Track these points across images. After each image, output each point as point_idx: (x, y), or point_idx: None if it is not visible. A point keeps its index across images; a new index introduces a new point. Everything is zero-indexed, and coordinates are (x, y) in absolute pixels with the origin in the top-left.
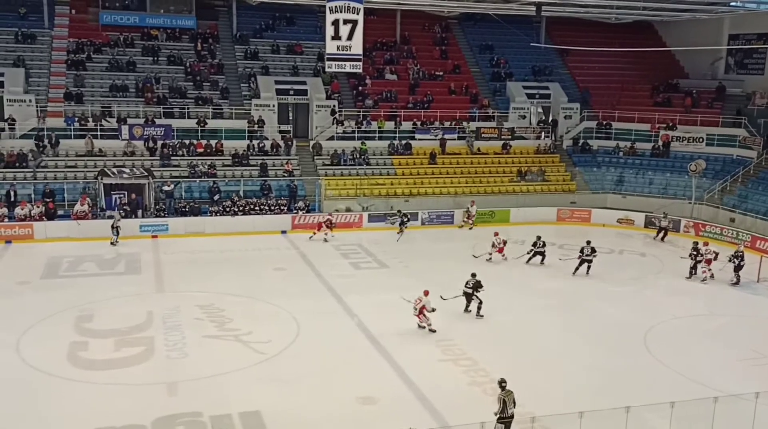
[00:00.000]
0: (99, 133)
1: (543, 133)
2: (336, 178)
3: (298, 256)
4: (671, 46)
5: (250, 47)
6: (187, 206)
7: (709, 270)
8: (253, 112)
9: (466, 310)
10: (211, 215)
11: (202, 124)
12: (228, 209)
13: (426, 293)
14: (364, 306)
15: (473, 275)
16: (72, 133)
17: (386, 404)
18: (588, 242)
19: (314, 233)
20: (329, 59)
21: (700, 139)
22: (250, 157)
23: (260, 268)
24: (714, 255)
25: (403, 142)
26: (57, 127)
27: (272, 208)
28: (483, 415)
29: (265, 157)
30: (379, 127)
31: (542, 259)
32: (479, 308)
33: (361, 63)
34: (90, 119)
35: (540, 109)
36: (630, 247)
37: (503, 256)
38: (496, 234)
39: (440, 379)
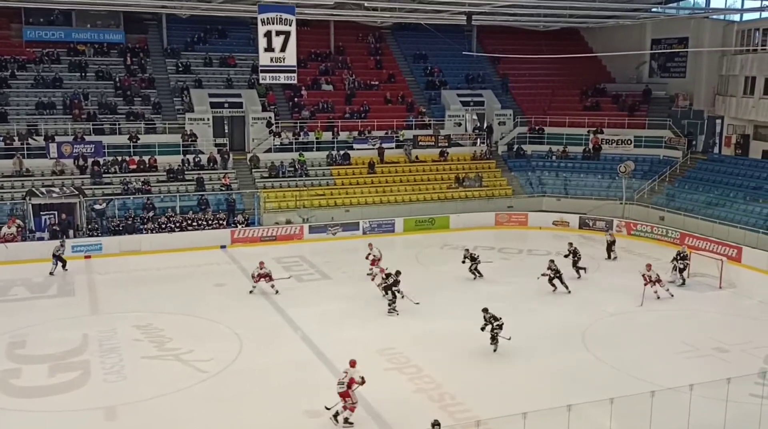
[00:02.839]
0: (26, 152)
1: (478, 139)
2: (275, 190)
3: (239, 270)
4: (597, 52)
5: (182, 60)
6: (122, 224)
7: (656, 291)
8: (187, 126)
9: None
10: (147, 233)
11: (134, 140)
12: (164, 226)
13: (353, 364)
14: (308, 318)
15: (485, 310)
16: None
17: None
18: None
19: (254, 287)
20: (263, 71)
21: (629, 142)
22: (186, 172)
23: (200, 285)
24: (656, 276)
25: (342, 152)
26: None
27: (210, 222)
28: (429, 421)
29: (201, 172)
30: (316, 138)
31: (475, 267)
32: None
33: (295, 74)
34: (16, 138)
35: (475, 116)
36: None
37: (373, 270)
38: (371, 245)
39: (386, 388)
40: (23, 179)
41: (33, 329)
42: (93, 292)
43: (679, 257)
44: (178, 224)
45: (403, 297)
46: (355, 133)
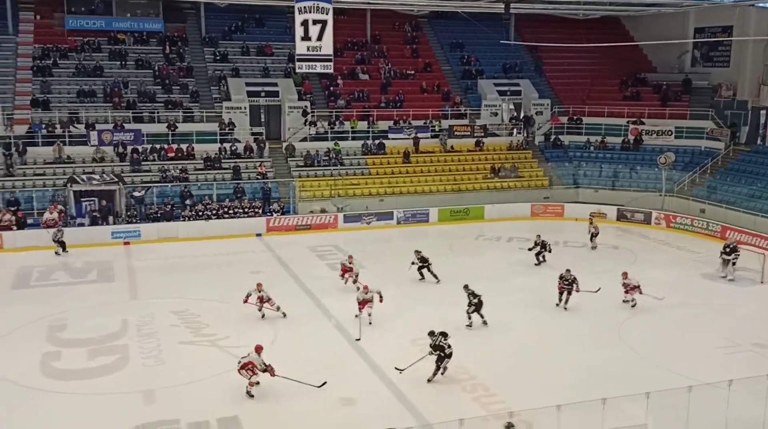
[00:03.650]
0: (67, 139)
1: (515, 129)
2: (310, 179)
3: (274, 258)
4: (638, 41)
5: (219, 49)
6: (160, 211)
7: (633, 299)
8: (224, 115)
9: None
10: (184, 220)
11: (172, 128)
12: (201, 213)
13: (258, 350)
14: (342, 307)
15: (466, 287)
16: (39, 140)
17: (366, 405)
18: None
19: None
20: (299, 60)
21: (669, 132)
22: (223, 160)
23: (236, 272)
24: (637, 284)
25: (377, 141)
26: (24, 134)
27: (246, 210)
28: (462, 411)
29: (237, 160)
30: (352, 128)
31: (542, 255)
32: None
33: (331, 63)
34: (58, 126)
35: (512, 106)
36: (601, 240)
37: (348, 278)
38: (351, 258)
39: (419, 378)
40: (65, 166)
41: (73, 313)
42: (132, 278)
43: (728, 250)
44: (214, 212)
45: (438, 281)
46: (390, 123)
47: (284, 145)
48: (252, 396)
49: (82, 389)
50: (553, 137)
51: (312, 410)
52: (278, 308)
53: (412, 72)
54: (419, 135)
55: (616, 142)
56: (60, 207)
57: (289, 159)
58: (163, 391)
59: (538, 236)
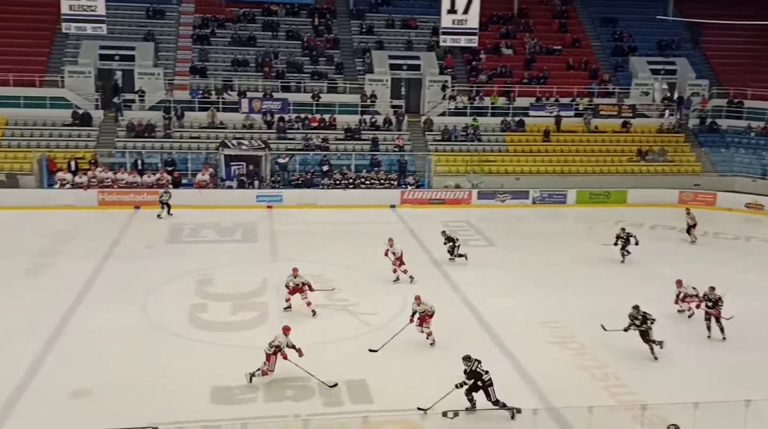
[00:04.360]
0: (221, 105)
1: (667, 111)
2: (446, 154)
3: (407, 230)
4: None
5: (366, 22)
6: (301, 179)
7: (689, 309)
8: (366, 87)
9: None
10: (324, 188)
11: (316, 99)
12: (339, 182)
13: (286, 330)
14: (471, 283)
15: (635, 308)
16: (196, 105)
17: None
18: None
19: (289, 306)
20: (444, 33)
21: None
22: (362, 132)
23: (369, 241)
24: (696, 293)
25: (517, 118)
26: (182, 99)
27: (382, 182)
28: (591, 399)
29: (376, 132)
30: (492, 103)
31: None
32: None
33: (476, 37)
34: (213, 92)
35: (665, 86)
36: (759, 233)
37: (398, 268)
38: (391, 241)
39: (547, 362)
40: (217, 131)
41: (219, 270)
42: (273, 240)
43: None
44: (351, 182)
45: (466, 259)
46: (532, 100)
47: (422, 118)
48: (251, 381)
49: (225, 340)
50: (709, 121)
51: (435, 379)
52: (308, 303)
53: (559, 47)
54: (562, 113)
55: None
56: (211, 169)
57: (426, 133)
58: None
59: (623, 229)
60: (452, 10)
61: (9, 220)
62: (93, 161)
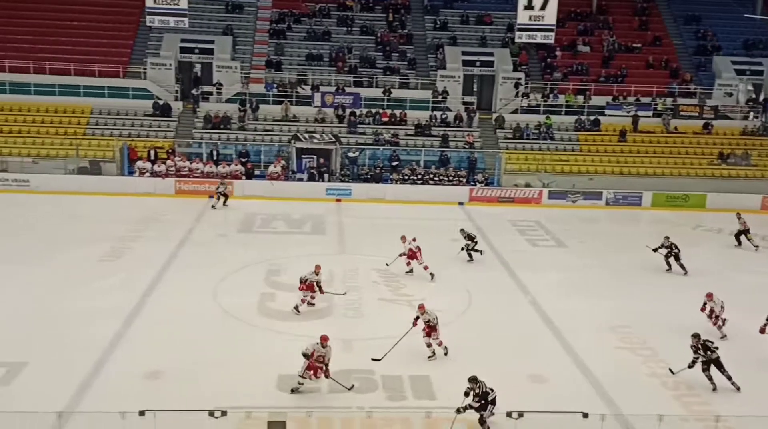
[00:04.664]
0: (294, 99)
1: (752, 113)
2: (517, 152)
3: (474, 228)
4: None
5: (440, 18)
6: (370, 173)
7: (722, 323)
8: (438, 83)
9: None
10: (392, 183)
11: (387, 94)
12: (407, 178)
13: (324, 340)
14: (540, 284)
15: (695, 337)
16: (270, 98)
17: (556, 385)
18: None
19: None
20: (520, 29)
21: None
22: (432, 128)
23: (436, 238)
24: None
25: (592, 117)
26: (258, 92)
27: (451, 179)
28: (661, 407)
29: (446, 129)
30: (566, 102)
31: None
32: None
33: (553, 33)
34: (287, 86)
35: (750, 87)
36: None
37: (412, 263)
38: (404, 239)
39: (616, 368)
40: (290, 124)
41: (288, 260)
42: (341, 233)
43: None
44: (420, 177)
45: (481, 253)
46: (608, 99)
47: (494, 116)
48: (297, 390)
49: (292, 330)
50: None
51: (500, 380)
52: (307, 301)
53: (639, 45)
54: (639, 113)
55: None
56: (283, 162)
57: (497, 130)
58: (360, 342)
59: (666, 238)
60: (529, 6)
61: (92, 205)
62: (171, 151)
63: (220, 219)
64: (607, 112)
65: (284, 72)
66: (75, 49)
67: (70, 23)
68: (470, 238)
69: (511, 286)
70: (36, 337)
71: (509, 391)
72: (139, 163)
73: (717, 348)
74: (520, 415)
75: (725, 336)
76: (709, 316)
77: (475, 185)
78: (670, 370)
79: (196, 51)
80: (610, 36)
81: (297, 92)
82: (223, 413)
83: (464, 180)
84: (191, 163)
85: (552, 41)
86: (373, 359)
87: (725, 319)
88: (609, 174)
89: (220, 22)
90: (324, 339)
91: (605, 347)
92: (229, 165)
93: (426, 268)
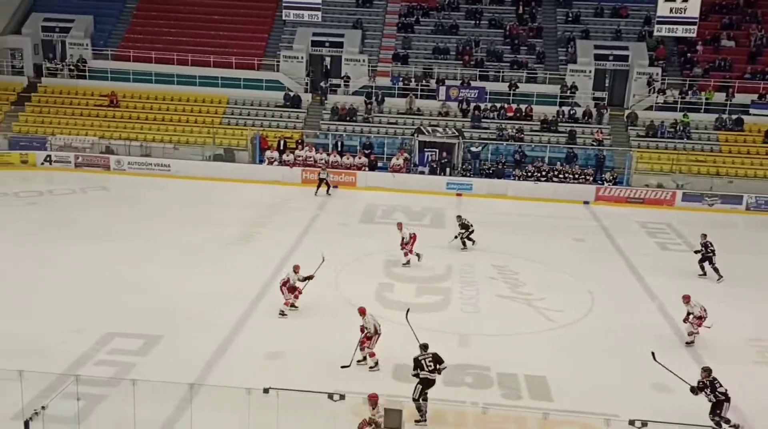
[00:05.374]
0: (419, 92)
1: None
2: (650, 150)
3: (600, 228)
4: None
5: (572, 10)
6: (492, 168)
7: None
8: (567, 78)
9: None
10: (514, 179)
11: (513, 88)
12: (530, 174)
13: (362, 311)
14: (668, 290)
15: (706, 370)
16: (396, 91)
17: (683, 396)
18: None
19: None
20: (660, 22)
21: None
22: (559, 124)
23: (559, 237)
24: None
25: (734, 116)
26: (384, 85)
27: (577, 176)
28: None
29: (574, 125)
30: (706, 99)
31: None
32: None
33: (695, 27)
34: (413, 79)
35: None
36: None
37: (409, 254)
38: (400, 225)
39: (753, 382)
40: (414, 117)
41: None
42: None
43: None
44: (544, 174)
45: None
46: (754, 96)
47: (626, 112)
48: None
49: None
50: None
51: (621, 386)
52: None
53: None
54: None
55: None
56: (406, 154)
57: (629, 127)
58: (476, 337)
59: (704, 236)
60: None
61: (225, 191)
62: (300, 141)
63: (343, 208)
64: (751, 110)
65: (410, 65)
66: (215, 41)
67: (211, 17)
68: (465, 226)
69: (637, 291)
70: (170, 312)
71: (631, 399)
72: (268, 153)
73: (726, 391)
74: (644, 424)
75: (692, 343)
76: (685, 320)
77: (603, 184)
78: (652, 353)
79: (327, 44)
80: (758, 30)
81: (422, 85)
82: (342, 397)
83: (591, 178)
84: (317, 153)
85: (694, 35)
86: (342, 366)
87: (702, 326)
88: (751, 177)
89: (350, 16)
90: (361, 311)
91: (742, 361)
92: (353, 156)
93: (407, 254)
